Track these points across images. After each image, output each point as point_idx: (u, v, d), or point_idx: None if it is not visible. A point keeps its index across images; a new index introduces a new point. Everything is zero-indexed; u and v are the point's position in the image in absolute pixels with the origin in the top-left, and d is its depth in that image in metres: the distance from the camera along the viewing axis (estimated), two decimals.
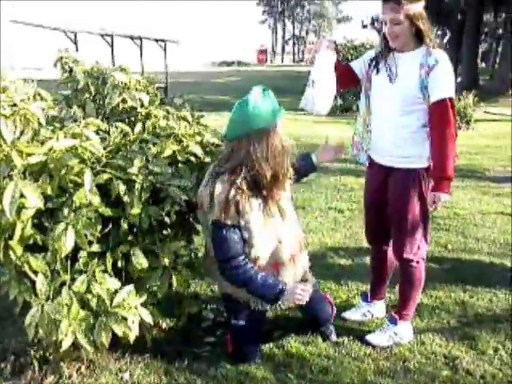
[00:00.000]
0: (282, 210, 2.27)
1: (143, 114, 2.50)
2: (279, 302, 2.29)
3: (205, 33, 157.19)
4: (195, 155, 2.38)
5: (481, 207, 5.05)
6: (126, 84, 2.46)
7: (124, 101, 2.48)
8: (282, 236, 2.27)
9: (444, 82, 2.29)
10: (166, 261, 2.18)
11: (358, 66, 2.58)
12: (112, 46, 12.36)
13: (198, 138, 2.44)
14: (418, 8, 2.28)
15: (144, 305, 2.16)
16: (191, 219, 2.45)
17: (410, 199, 2.42)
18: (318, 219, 4.64)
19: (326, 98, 2.46)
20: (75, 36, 11.02)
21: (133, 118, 2.53)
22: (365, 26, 32.64)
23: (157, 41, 14.92)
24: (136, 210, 2.10)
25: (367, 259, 3.63)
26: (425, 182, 2.43)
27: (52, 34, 11.00)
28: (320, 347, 2.56)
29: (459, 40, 21.82)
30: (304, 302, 2.30)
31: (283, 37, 73.00)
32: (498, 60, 28.19)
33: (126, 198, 2.09)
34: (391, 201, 2.51)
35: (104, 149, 2.14)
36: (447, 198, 2.39)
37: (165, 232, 2.31)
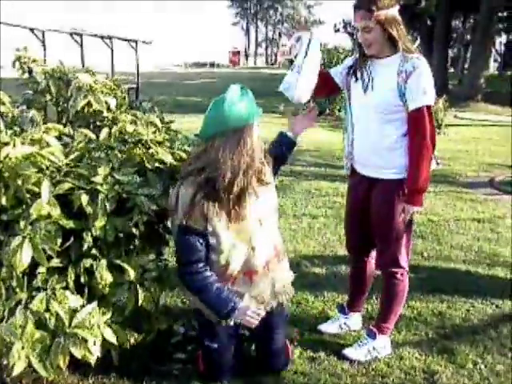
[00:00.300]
0: (257, 212, 2.12)
1: (110, 118, 2.35)
2: (231, 319, 2.14)
3: (176, 34, 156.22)
4: (164, 162, 2.24)
5: (455, 213, 5.04)
6: (91, 86, 2.30)
7: (89, 104, 2.32)
8: (256, 241, 2.11)
9: (421, 89, 2.20)
10: (133, 276, 2.03)
11: (338, 73, 2.50)
12: (81, 46, 12.05)
13: (168, 144, 2.31)
14: (391, 13, 2.20)
15: (109, 323, 2.02)
16: (161, 230, 2.31)
17: (395, 210, 2.34)
18: (291, 226, 4.54)
19: (308, 85, 2.34)
20: (43, 35, 10.70)
21: (98, 123, 2.38)
22: (337, 30, 32.89)
23: (128, 41, 14.65)
24: (100, 222, 1.95)
25: (343, 268, 3.56)
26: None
27: (18, 32, 10.65)
28: (296, 363, 2.46)
29: (429, 45, 22.16)
30: (253, 326, 2.14)
31: (256, 39, 73.12)
32: (466, 65, 28.78)
33: (89, 209, 1.94)
34: (375, 212, 2.42)
35: (66, 156, 2.00)
36: (418, 209, 2.33)
37: (132, 245, 2.16)
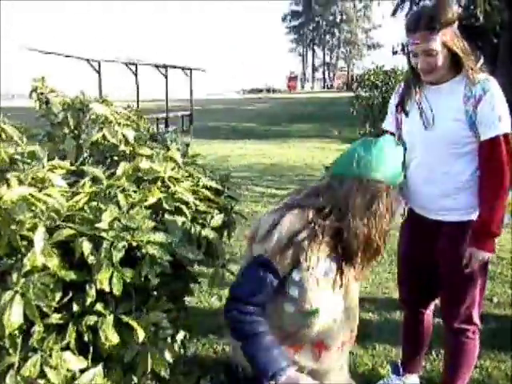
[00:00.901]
0: (349, 288, 1.71)
1: (127, 152, 2.12)
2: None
3: (234, 60, 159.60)
4: (186, 203, 1.98)
5: None
6: (106, 118, 2.09)
7: (105, 137, 2.10)
8: (338, 315, 1.69)
9: (495, 115, 1.85)
10: (142, 335, 1.75)
11: (390, 124, 2.20)
12: (136, 75, 12.25)
13: (190, 183, 2.04)
14: (454, 29, 1.86)
15: None
16: (180, 282, 2.02)
17: (458, 256, 1.97)
18: None
19: None
20: (99, 65, 10.94)
21: (116, 157, 2.15)
22: (395, 53, 32.21)
23: (183, 69, 14.81)
24: (105, 274, 1.69)
25: (398, 314, 3.14)
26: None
27: (76, 64, 10.94)
28: None
29: (494, 65, 21.16)
30: None
31: (313, 63, 73.32)
32: None
33: (91, 259, 1.68)
34: (442, 260, 2.05)
35: (70, 198, 1.77)
36: (489, 256, 1.95)
37: (143, 300, 1.88)
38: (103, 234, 1.70)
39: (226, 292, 3.53)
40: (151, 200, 1.88)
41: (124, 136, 2.12)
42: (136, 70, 12.16)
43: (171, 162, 1.99)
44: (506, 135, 1.86)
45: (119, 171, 1.95)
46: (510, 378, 2.50)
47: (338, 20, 67.75)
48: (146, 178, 1.94)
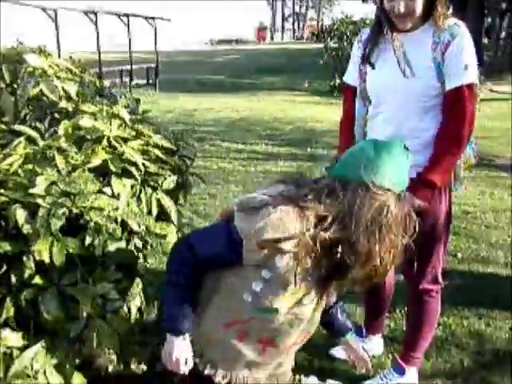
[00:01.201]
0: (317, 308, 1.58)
1: (70, 109, 1.93)
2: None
3: (202, 10, 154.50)
4: (135, 164, 1.82)
5: (493, 203, 4.48)
6: (44, 71, 1.88)
7: (43, 92, 1.90)
8: (299, 322, 1.56)
9: (461, 63, 1.72)
10: (88, 308, 1.62)
11: (354, 75, 2.01)
12: (96, 25, 11.64)
13: (140, 142, 1.88)
14: None
15: (62, 366, 1.64)
16: (133, 248, 1.89)
17: (435, 214, 1.89)
18: None
19: None
20: (55, 14, 10.30)
21: (57, 115, 1.96)
22: (365, 0, 31.56)
23: (146, 18, 14.17)
24: (43, 245, 1.55)
25: None
26: (450, 188, 1.92)
27: (30, 12, 10.23)
28: None
29: (463, 15, 20.97)
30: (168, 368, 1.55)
31: (283, 13, 71.61)
32: (502, 35, 27.36)
33: (27, 228, 1.53)
34: None
35: (2, 161, 1.59)
36: (420, 204, 1.83)
37: (89, 270, 1.74)
38: (39, 201, 1.54)
39: None
40: (95, 162, 1.72)
41: (65, 91, 1.92)
42: (96, 20, 11.56)
43: (117, 120, 1.82)
44: (470, 85, 1.74)
45: (60, 130, 1.78)
46: (473, 335, 2.49)
47: None
48: (88, 137, 1.77)
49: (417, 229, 1.41)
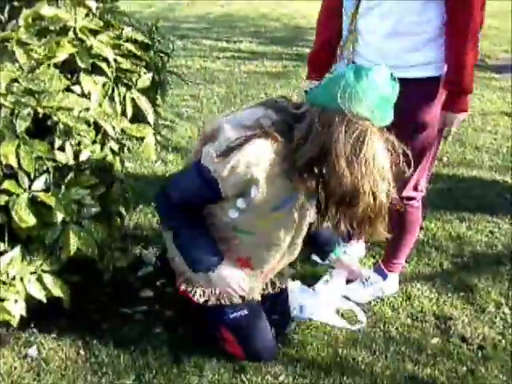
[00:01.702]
0: (303, 224, 1.59)
1: None
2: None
3: None
4: (106, 60, 1.67)
5: (481, 105, 4.38)
6: None
7: None
8: (277, 248, 1.62)
9: None
10: (62, 215, 1.55)
11: None
12: None
13: (111, 35, 1.71)
14: None
15: (40, 272, 1.61)
16: (108, 151, 1.78)
17: (424, 119, 1.78)
18: None
19: None
20: None
21: (16, 3, 1.75)
22: None
23: None
24: (8, 147, 1.44)
25: None
26: (440, 93, 1.79)
27: None
28: None
29: None
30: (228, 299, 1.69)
31: None
32: None
33: None
34: (404, 123, 1.82)
35: None
36: (463, 118, 1.79)
37: (63, 175, 1.65)
38: (1, 100, 1.41)
39: (170, 157, 3.34)
40: (61, 56, 1.57)
41: None
42: None
43: (82, 8, 1.63)
44: None
45: (20, 20, 1.60)
46: (454, 238, 2.51)
47: None
48: (52, 28, 1.59)
49: (404, 164, 1.35)
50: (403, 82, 1.73)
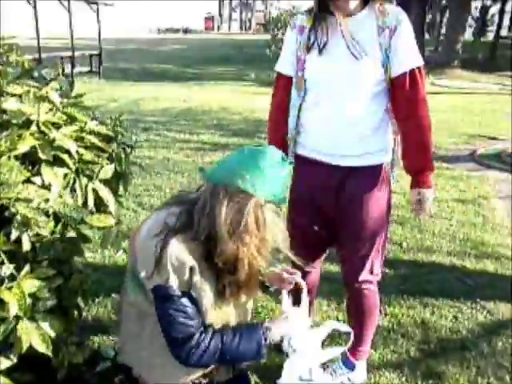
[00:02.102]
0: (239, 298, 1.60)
1: None
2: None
3: None
4: (68, 152, 1.68)
5: (436, 193, 4.54)
6: None
7: None
8: (231, 320, 1.62)
9: (411, 47, 1.74)
10: (15, 309, 1.48)
11: (292, 63, 1.90)
12: (35, 8, 11.06)
13: (74, 128, 1.74)
14: None
15: None
16: (69, 242, 1.74)
17: (377, 203, 1.86)
18: None
19: None
20: None
21: None
22: None
23: (88, 3, 13.63)
24: None
25: None
26: (391, 178, 1.92)
27: None
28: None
29: (405, 9, 21.46)
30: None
31: (230, 3, 71.12)
32: (442, 31, 28.22)
33: None
34: (350, 211, 1.88)
35: None
36: (432, 194, 1.89)
37: (17, 267, 1.60)
38: None
39: None
40: (22, 148, 1.56)
41: None
42: (35, 3, 10.97)
43: (46, 103, 1.67)
44: (419, 68, 1.76)
45: None
46: (419, 324, 2.50)
47: None
48: (14, 122, 1.61)
49: (286, 237, 1.45)
50: (354, 169, 1.84)
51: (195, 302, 1.47)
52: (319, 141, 1.87)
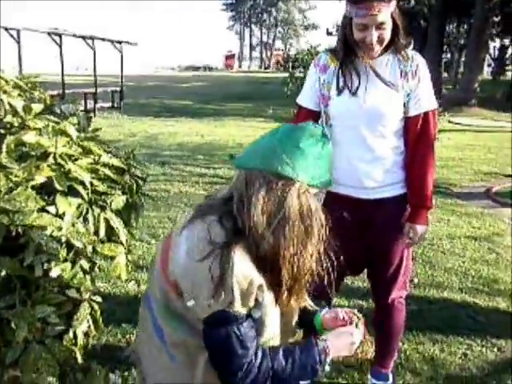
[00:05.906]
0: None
1: (16, 124, 1.86)
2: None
3: (170, 36, 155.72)
4: (82, 183, 1.76)
5: (449, 230, 4.56)
6: None
7: None
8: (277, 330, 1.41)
9: (428, 90, 1.89)
10: (24, 333, 1.53)
11: (312, 98, 2.00)
12: (61, 47, 11.52)
13: (89, 161, 1.82)
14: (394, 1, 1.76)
15: None
16: (80, 270, 1.80)
17: (401, 227, 1.99)
18: None
19: None
20: (18, 34, 10.14)
21: (2, 131, 1.89)
22: (330, 34, 32.42)
23: (112, 42, 14.13)
24: None
25: None
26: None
27: None
28: None
29: (422, 50, 21.76)
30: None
31: (250, 42, 72.88)
32: (460, 70, 28.46)
33: None
34: (382, 238, 2.00)
35: None
36: (425, 230, 1.99)
37: (28, 292, 1.66)
38: None
39: (143, 276, 3.32)
40: (39, 179, 1.65)
41: (11, 106, 1.86)
42: (60, 41, 11.44)
43: (64, 137, 1.76)
44: (434, 111, 1.90)
45: (3, 146, 1.71)
46: (428, 360, 2.48)
47: None
48: (33, 154, 1.70)
49: (326, 231, 1.25)
50: (379, 201, 1.94)
51: (257, 322, 1.28)
52: (345, 175, 1.94)
